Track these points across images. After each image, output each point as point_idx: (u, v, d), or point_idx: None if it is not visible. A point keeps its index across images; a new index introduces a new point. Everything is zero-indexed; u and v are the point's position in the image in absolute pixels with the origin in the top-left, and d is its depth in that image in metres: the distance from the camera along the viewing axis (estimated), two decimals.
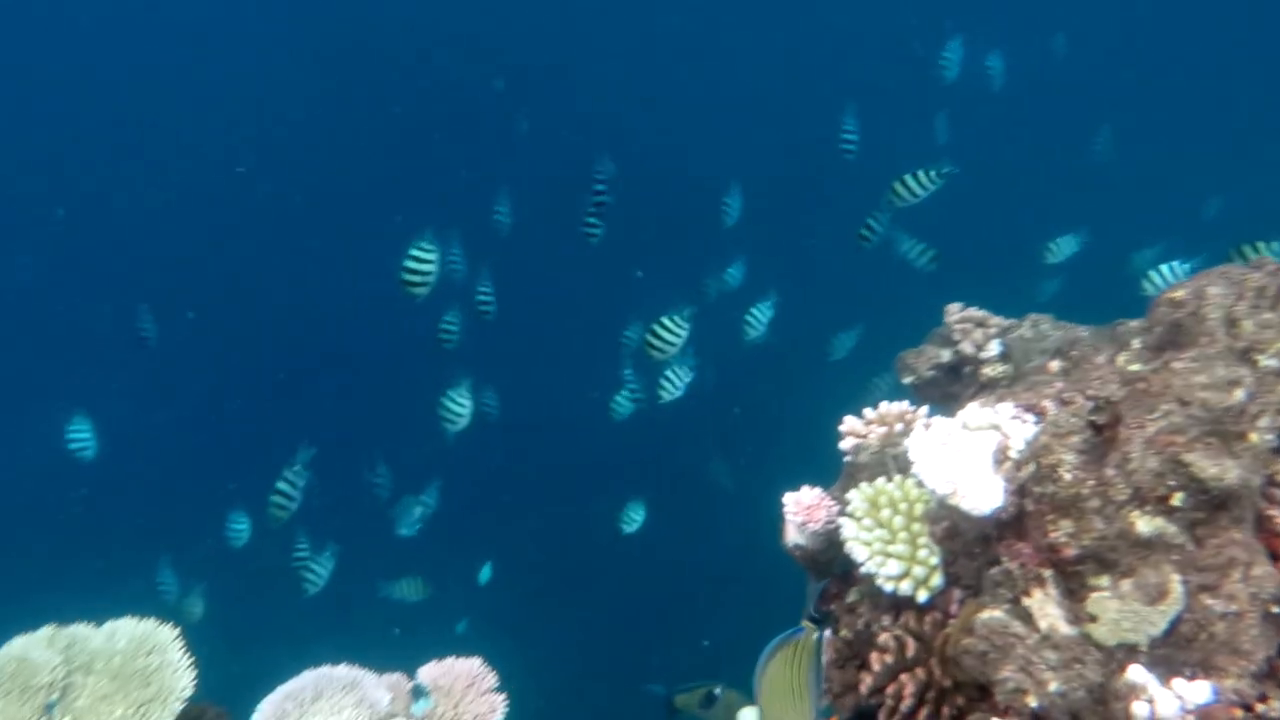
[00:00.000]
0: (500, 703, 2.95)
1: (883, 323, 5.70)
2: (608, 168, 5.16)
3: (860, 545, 2.08)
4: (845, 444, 2.53)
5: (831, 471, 2.57)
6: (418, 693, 2.99)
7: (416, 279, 4.25)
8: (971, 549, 1.98)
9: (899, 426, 2.49)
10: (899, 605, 2.11)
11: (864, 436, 2.51)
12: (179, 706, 2.63)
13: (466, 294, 5.24)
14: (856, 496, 2.15)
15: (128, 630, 2.88)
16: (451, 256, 5.23)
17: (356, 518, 6.27)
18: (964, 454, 1.91)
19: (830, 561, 2.33)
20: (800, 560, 2.37)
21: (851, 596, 2.24)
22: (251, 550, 5.55)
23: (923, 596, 2.03)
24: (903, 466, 2.27)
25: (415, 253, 4.23)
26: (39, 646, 2.88)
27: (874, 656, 2.06)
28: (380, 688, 2.78)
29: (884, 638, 2.07)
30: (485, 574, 6.75)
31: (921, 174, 4.68)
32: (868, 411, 2.56)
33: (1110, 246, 6.01)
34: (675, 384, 4.72)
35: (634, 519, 5.47)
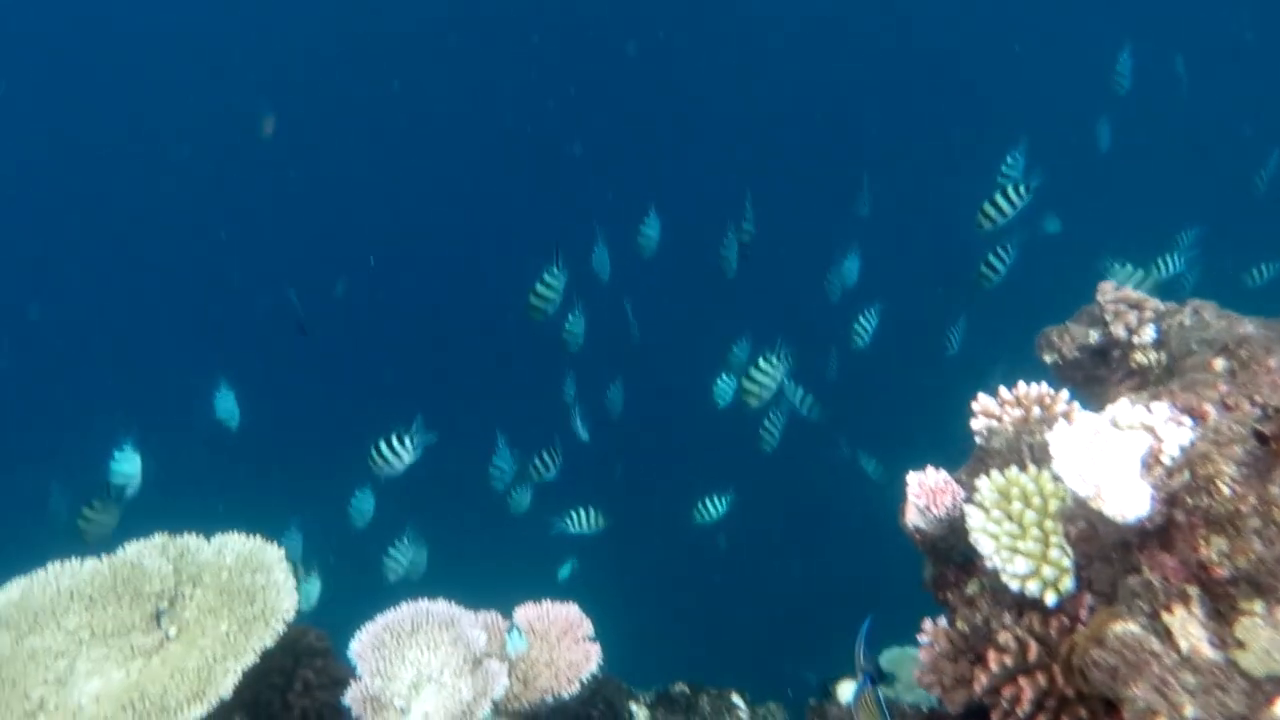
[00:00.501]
0: (595, 653, 2.91)
1: (1010, 303, 5.52)
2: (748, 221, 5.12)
3: (987, 537, 1.95)
4: (976, 424, 2.40)
5: (954, 453, 2.44)
6: (513, 634, 2.97)
7: (540, 303, 4.69)
8: (1109, 554, 1.84)
9: (1037, 411, 2.35)
10: (1023, 604, 1.99)
11: (998, 418, 2.37)
12: (281, 628, 2.65)
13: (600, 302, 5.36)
14: (986, 485, 2.02)
15: (236, 546, 2.91)
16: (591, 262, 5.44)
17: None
18: (1110, 454, 1.77)
19: (950, 549, 2.22)
20: (919, 544, 2.26)
21: (971, 588, 2.12)
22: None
23: (1051, 599, 1.90)
24: (1039, 457, 2.13)
25: (544, 278, 4.64)
26: (152, 553, 2.94)
27: (992, 655, 1.95)
28: (476, 627, 2.77)
29: (1004, 637, 1.95)
30: (565, 571, 6.75)
31: (1011, 191, 4.54)
32: (1003, 391, 2.42)
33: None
34: (773, 432, 4.78)
35: (710, 511, 5.37)
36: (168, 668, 2.68)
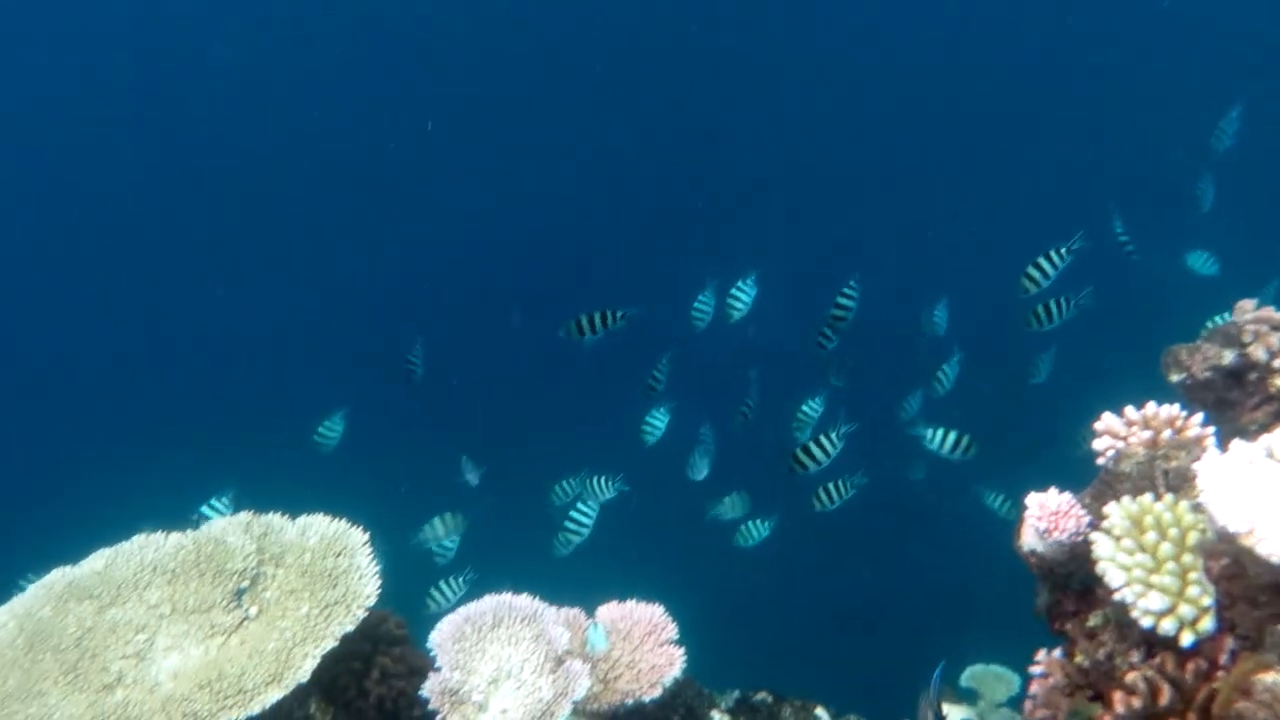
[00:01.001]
0: (679, 657, 2.82)
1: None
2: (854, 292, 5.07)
3: (1117, 569, 1.82)
4: (1100, 444, 2.25)
5: (1066, 474, 2.31)
6: (595, 633, 2.89)
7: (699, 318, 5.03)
8: (1256, 596, 1.70)
9: (1168, 434, 2.20)
10: (1153, 643, 1.85)
11: (1124, 439, 2.23)
12: (361, 614, 2.59)
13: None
14: (1117, 512, 1.88)
15: (320, 528, 2.86)
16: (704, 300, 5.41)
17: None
18: (1267, 487, 1.63)
19: (1069, 575, 2.08)
20: (1034, 568, 2.13)
21: (1093, 620, 1.98)
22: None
23: (1187, 639, 1.76)
24: (1175, 484, 1.99)
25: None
26: (237, 531, 2.90)
27: (1118, 696, 1.82)
28: (558, 624, 2.69)
29: (1132, 677, 1.82)
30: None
31: (1053, 254, 4.61)
32: (1129, 411, 2.27)
33: None
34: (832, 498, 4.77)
35: (753, 534, 5.29)
36: (246, 648, 2.64)
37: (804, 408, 5.12)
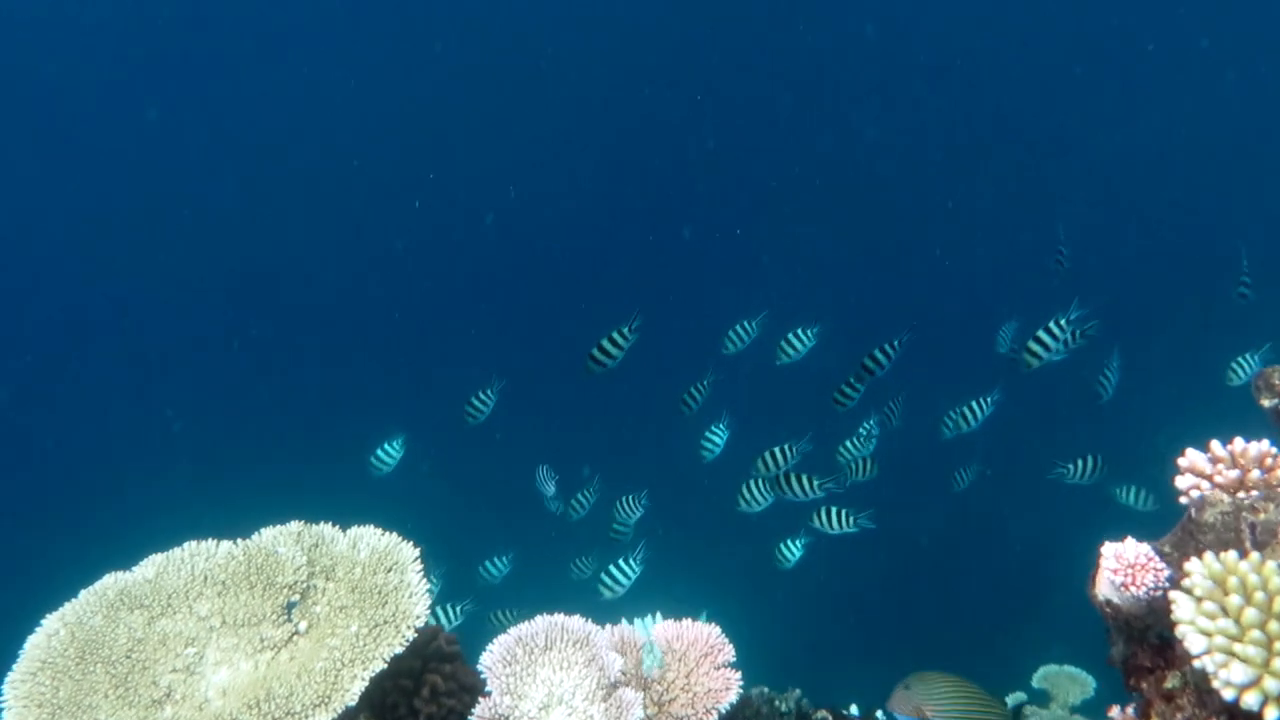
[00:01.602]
0: (735, 681, 2.74)
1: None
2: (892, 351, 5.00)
3: (1197, 634, 1.71)
4: (1183, 482, 2.12)
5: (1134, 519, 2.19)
6: (650, 654, 2.82)
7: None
8: None
9: (1256, 474, 2.07)
10: (1235, 714, 1.74)
11: (1208, 478, 2.10)
12: (411, 635, 2.55)
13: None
14: (1199, 570, 1.76)
15: (370, 541, 2.82)
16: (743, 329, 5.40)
17: None
18: None
19: (1147, 628, 1.97)
20: (1109, 618, 2.02)
21: (1171, 682, 1.88)
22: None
23: (1273, 715, 1.65)
24: (1262, 540, 1.87)
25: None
26: (288, 542, 2.87)
27: None
28: (611, 650, 2.63)
29: None
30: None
31: (1054, 326, 4.64)
32: (1215, 447, 2.14)
33: None
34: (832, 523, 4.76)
35: (788, 554, 5.21)
36: (295, 664, 2.62)
37: (855, 435, 5.05)
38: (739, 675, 2.74)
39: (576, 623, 2.65)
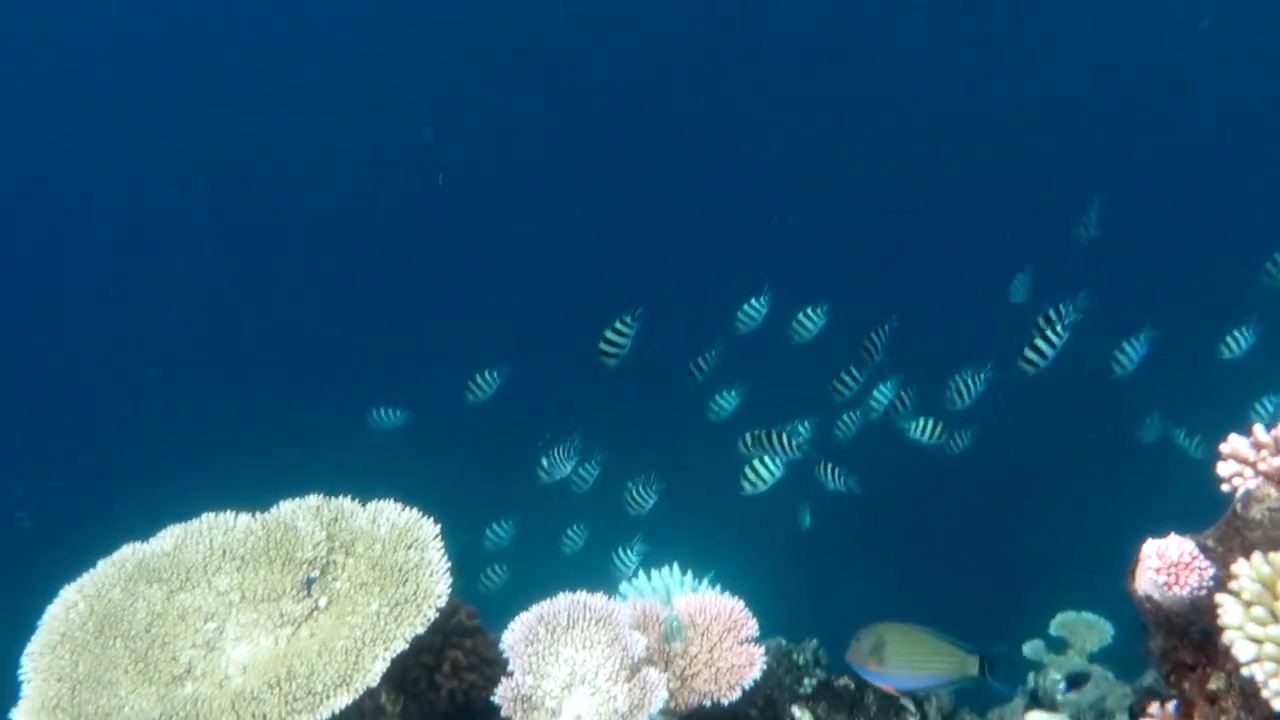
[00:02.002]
0: (759, 657, 2.71)
1: None
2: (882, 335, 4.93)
3: (1245, 640, 1.65)
4: (1225, 469, 2.05)
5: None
6: (673, 628, 2.79)
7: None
8: None
9: None
10: None
11: (1252, 465, 2.03)
12: (433, 615, 2.52)
13: None
14: (1247, 573, 1.71)
15: (390, 516, 2.78)
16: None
17: None
18: None
19: (1189, 624, 1.92)
20: (1147, 613, 1.97)
21: (1215, 684, 1.83)
22: None
23: None
24: None
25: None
26: (307, 516, 2.84)
27: None
28: (635, 630, 2.59)
29: None
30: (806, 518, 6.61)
31: (1049, 332, 4.52)
32: (1259, 432, 2.07)
33: None
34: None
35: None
36: (316, 642, 2.59)
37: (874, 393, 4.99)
38: (762, 650, 2.71)
39: (599, 601, 2.61)
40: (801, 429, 4.82)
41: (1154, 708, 1.91)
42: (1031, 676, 4.17)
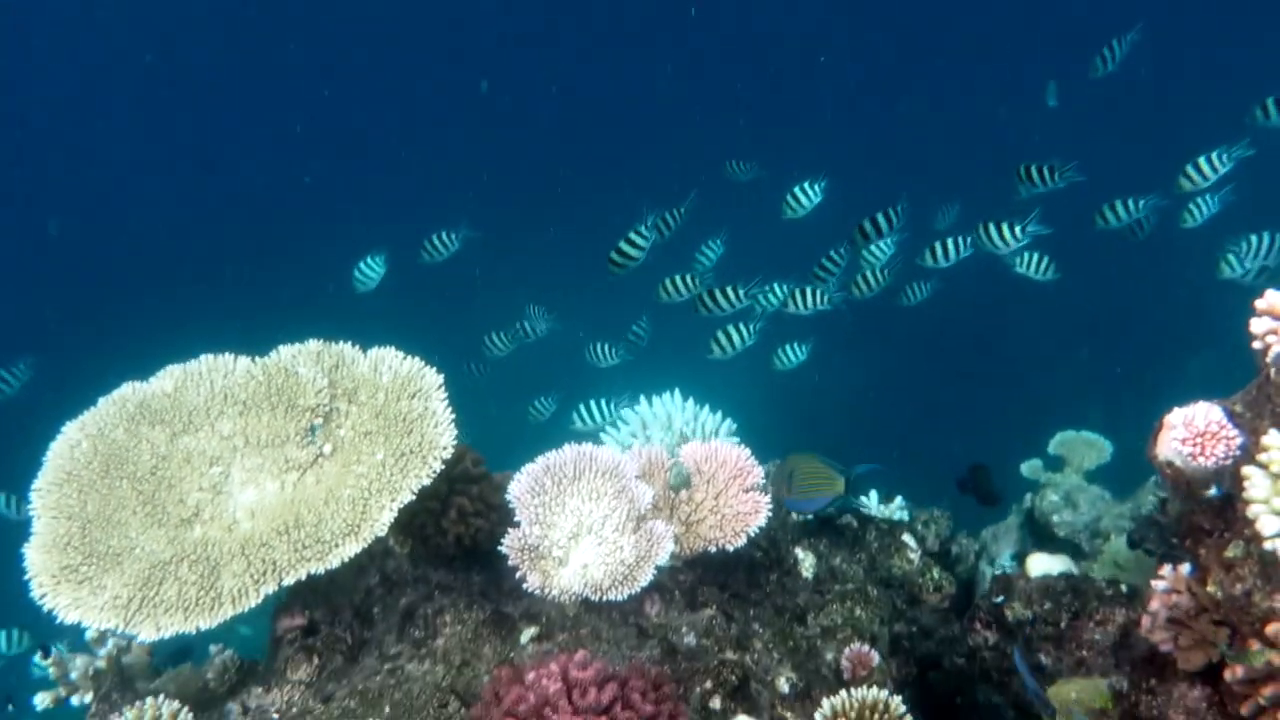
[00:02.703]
0: (765, 505, 2.71)
1: None
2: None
3: (1271, 515, 1.63)
4: (1258, 326, 1.96)
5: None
6: (678, 475, 2.79)
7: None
8: None
9: None
10: None
11: None
12: (438, 466, 2.50)
13: None
14: (1277, 444, 1.67)
15: (393, 364, 2.73)
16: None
17: None
18: None
19: (1208, 489, 1.90)
20: (1168, 478, 1.94)
21: (1232, 551, 1.81)
22: None
23: None
24: None
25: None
26: (307, 361, 2.79)
27: (1255, 648, 1.67)
28: (642, 483, 2.58)
29: (1275, 629, 1.66)
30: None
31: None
32: None
33: None
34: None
35: (790, 357, 5.18)
36: (322, 489, 2.58)
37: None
38: (768, 499, 2.71)
39: (605, 453, 2.59)
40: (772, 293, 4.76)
41: (1167, 569, 1.90)
42: (1028, 498, 4.22)
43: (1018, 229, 4.45)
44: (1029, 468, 4.38)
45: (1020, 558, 3.87)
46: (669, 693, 1.88)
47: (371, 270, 5.28)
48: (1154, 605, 1.91)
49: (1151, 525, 3.19)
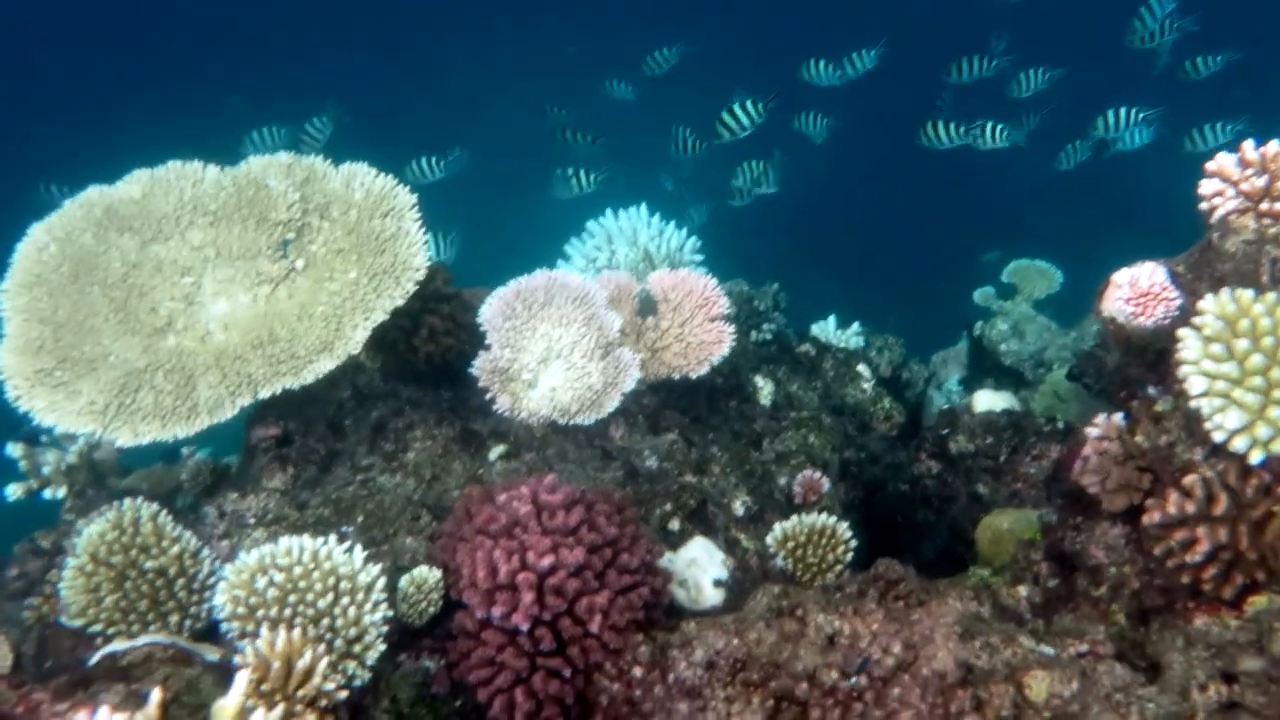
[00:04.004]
0: (729, 335, 2.80)
1: None
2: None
3: (1199, 375, 1.73)
4: (1207, 187, 2.02)
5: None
6: (645, 299, 2.86)
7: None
8: None
9: None
10: (1221, 452, 1.81)
11: (1235, 184, 2.03)
12: (412, 287, 2.54)
13: None
14: (1211, 308, 1.75)
15: (365, 181, 2.74)
16: None
17: None
18: None
19: (1146, 347, 2.00)
20: (1111, 332, 2.04)
21: (1162, 405, 1.93)
22: None
23: (1257, 457, 1.71)
24: None
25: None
26: (278, 174, 2.79)
27: (1172, 496, 1.81)
28: (611, 311, 2.65)
29: (1190, 480, 1.80)
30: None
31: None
32: (1247, 149, 2.03)
33: None
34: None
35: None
36: (295, 304, 2.63)
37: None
38: (732, 329, 2.80)
39: (575, 280, 2.65)
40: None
41: (1101, 417, 2.02)
42: (979, 325, 4.37)
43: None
44: (981, 295, 4.51)
45: (967, 383, 4.03)
46: (631, 516, 2.01)
47: (318, 129, 5.26)
48: (1086, 450, 2.04)
49: (1091, 360, 3.34)
